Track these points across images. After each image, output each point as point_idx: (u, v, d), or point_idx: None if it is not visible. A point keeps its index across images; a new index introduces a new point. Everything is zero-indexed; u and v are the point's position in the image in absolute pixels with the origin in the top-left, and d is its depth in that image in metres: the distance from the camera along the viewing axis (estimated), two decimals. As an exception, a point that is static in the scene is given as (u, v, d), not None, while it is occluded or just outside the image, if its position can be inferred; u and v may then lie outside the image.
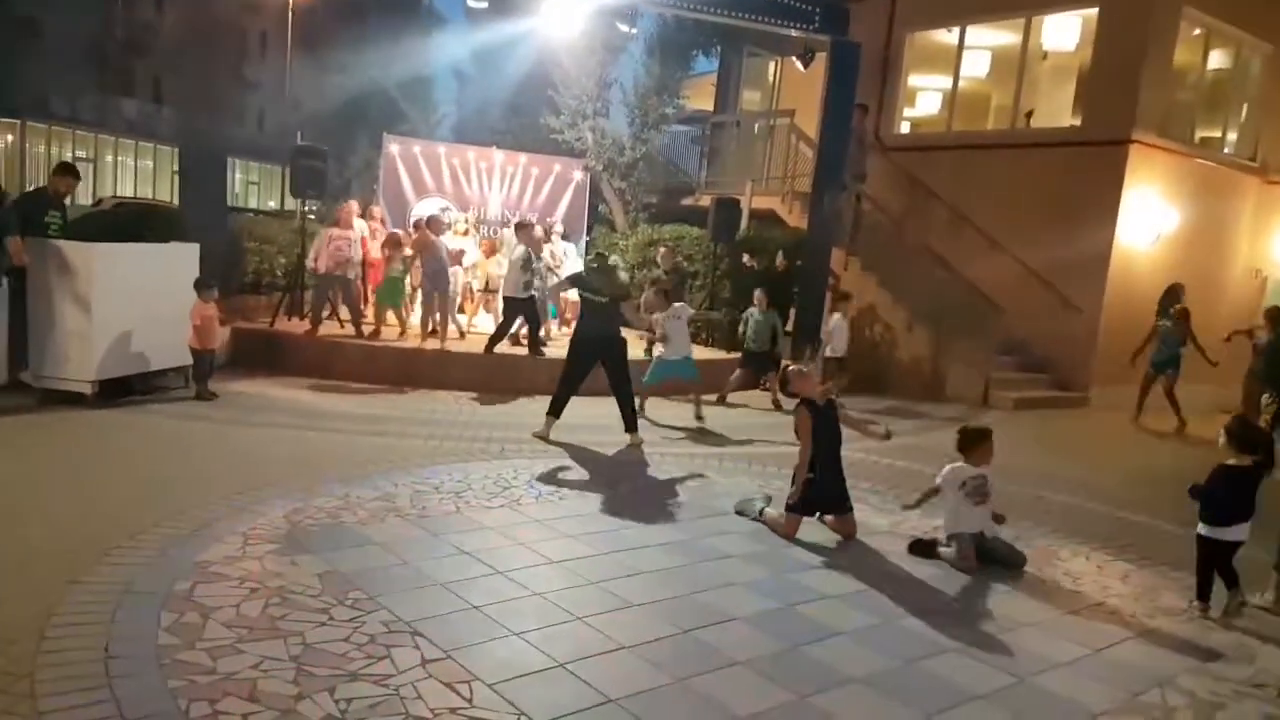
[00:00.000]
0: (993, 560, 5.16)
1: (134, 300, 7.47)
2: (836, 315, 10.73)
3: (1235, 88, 14.08)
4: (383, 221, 12.97)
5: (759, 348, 10.25)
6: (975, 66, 14.73)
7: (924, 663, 3.83)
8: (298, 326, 10.07)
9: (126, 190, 34.41)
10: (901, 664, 3.80)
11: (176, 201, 10.85)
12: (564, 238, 13.16)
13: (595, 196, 14.77)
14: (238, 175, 36.21)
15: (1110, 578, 5.21)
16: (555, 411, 7.51)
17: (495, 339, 9.78)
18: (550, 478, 6.22)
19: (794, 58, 11.98)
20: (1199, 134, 13.73)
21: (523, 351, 9.93)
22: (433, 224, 10.22)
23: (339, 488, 5.53)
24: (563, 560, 4.61)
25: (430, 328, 10.03)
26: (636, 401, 7.97)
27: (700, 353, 10.26)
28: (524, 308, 9.77)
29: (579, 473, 6.50)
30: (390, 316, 10.30)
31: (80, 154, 33.77)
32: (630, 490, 6.14)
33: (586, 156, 14.05)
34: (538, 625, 3.81)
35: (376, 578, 4.14)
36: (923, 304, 12.38)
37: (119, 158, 37.67)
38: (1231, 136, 14.05)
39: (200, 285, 7.80)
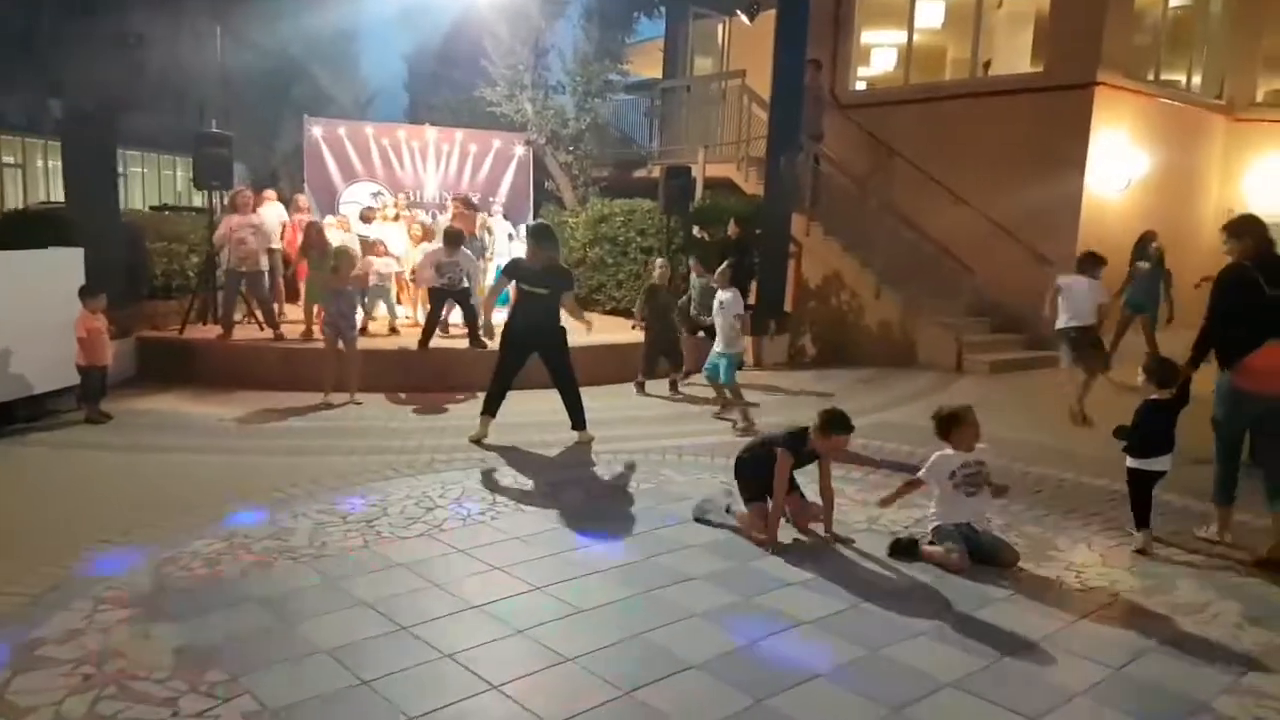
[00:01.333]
0: (982, 557, 4.51)
1: (9, 315, 6.59)
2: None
3: (1199, 25, 13.52)
4: (309, 210, 12.10)
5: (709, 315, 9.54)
6: (930, 18, 14.02)
7: (917, 709, 3.15)
8: (211, 332, 9.18)
9: (60, 195, 32.75)
10: (889, 714, 3.12)
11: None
12: (504, 217, 12.38)
13: (541, 173, 13.93)
14: (144, 170, 34.06)
15: (1116, 568, 4.58)
16: (490, 410, 6.77)
17: (425, 334, 8.97)
18: (482, 492, 5.47)
19: (739, 12, 11.19)
20: (1165, 74, 13.14)
21: (463, 344, 9.13)
22: (343, 261, 8.22)
23: (227, 525, 4.75)
24: (486, 603, 3.87)
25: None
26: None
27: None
28: (442, 296, 9.01)
29: (517, 483, 5.75)
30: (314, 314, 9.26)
31: (9, 159, 32.09)
32: (575, 500, 5.41)
33: (528, 130, 13.16)
34: (445, 700, 3.07)
35: (245, 650, 3.38)
36: (890, 267, 11.72)
37: (49, 161, 35.92)
38: (1197, 77, 13.49)
39: (85, 294, 6.93)
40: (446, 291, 8.94)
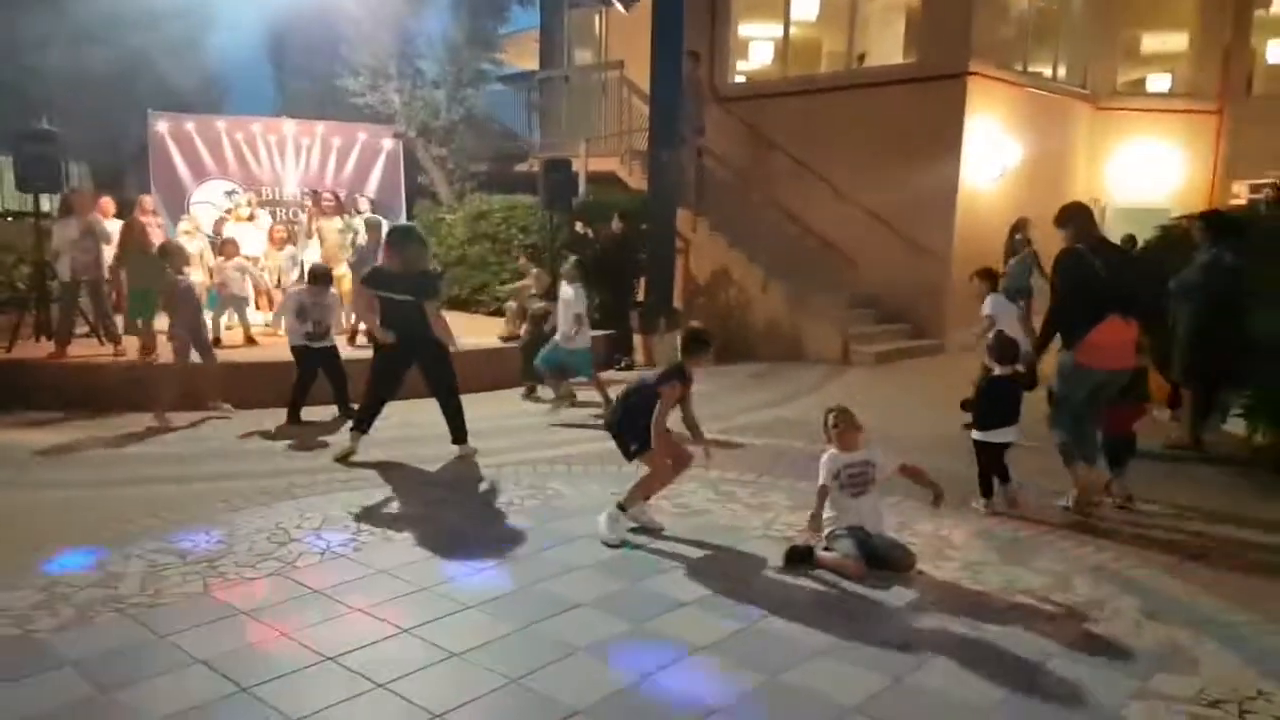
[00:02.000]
0: (878, 561, 4.31)
1: None
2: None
3: (1063, 16, 13.96)
4: (154, 213, 11.17)
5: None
6: (805, 10, 14.05)
7: (824, 745, 2.88)
8: (45, 349, 8.27)
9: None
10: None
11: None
12: (374, 213, 11.72)
13: (414, 167, 13.29)
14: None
15: (1014, 565, 4.46)
16: (361, 426, 6.24)
17: (292, 405, 7.37)
18: (345, 520, 4.96)
19: (615, 1, 10.86)
20: (1032, 65, 13.51)
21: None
22: (173, 253, 7.68)
23: (46, 573, 4.13)
24: (342, 653, 3.40)
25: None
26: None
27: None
28: (311, 358, 7.41)
29: (386, 506, 5.26)
30: (140, 327, 8.13)
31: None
32: (451, 523, 4.97)
33: (395, 121, 12.50)
34: (285, 780, 2.63)
35: (51, 732, 2.85)
36: (775, 262, 11.66)
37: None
38: (1062, 68, 13.92)
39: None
40: (314, 350, 7.39)
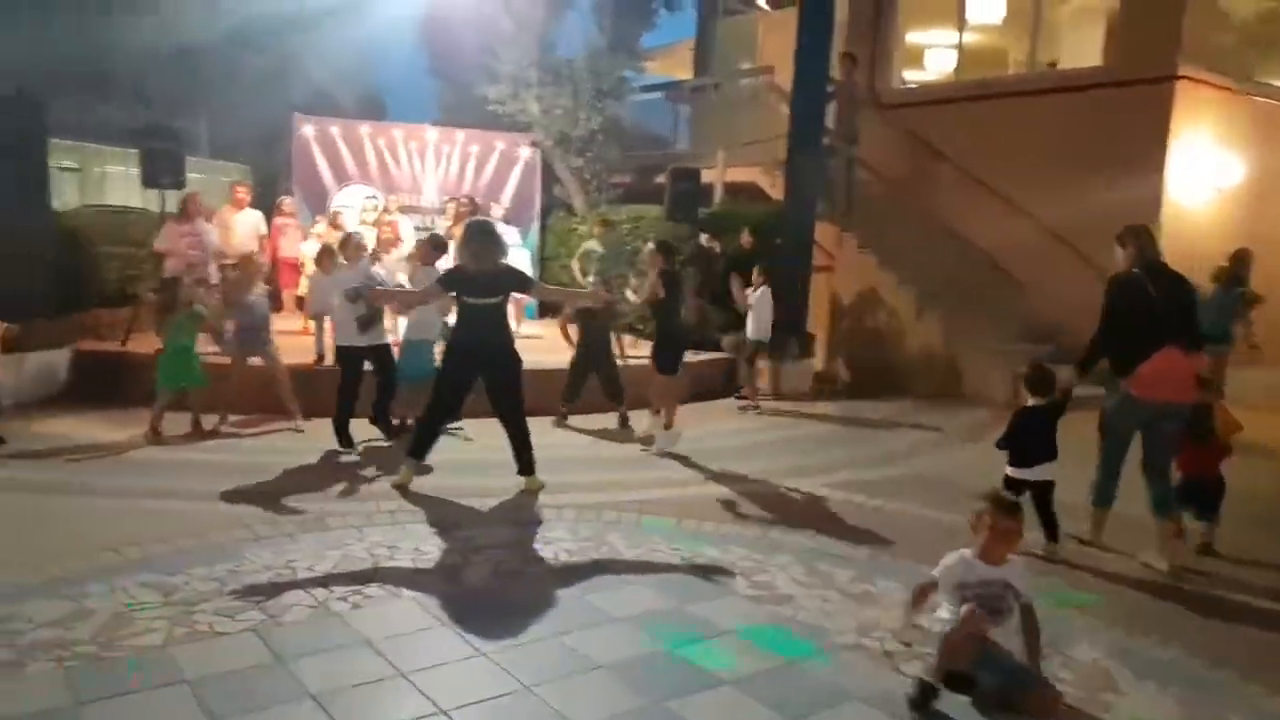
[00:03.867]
0: (1009, 699, 3.16)
1: None
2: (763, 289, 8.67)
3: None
4: (292, 214, 11.18)
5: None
6: (985, 13, 12.55)
7: None
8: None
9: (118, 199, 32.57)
10: None
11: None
12: (508, 223, 11.29)
13: (551, 177, 12.83)
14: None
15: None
16: (417, 452, 5.61)
17: (338, 419, 6.45)
18: (364, 564, 4.26)
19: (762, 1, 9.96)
20: (1261, 74, 11.48)
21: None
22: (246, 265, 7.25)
23: (11, 601, 3.65)
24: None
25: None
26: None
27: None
28: (358, 362, 6.49)
29: (415, 551, 4.50)
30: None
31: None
32: (476, 582, 4.16)
33: (533, 130, 12.06)
34: None
35: None
36: (932, 285, 10.34)
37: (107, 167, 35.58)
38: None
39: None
40: (360, 351, 6.47)
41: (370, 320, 6.23)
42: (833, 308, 11.11)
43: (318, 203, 11.66)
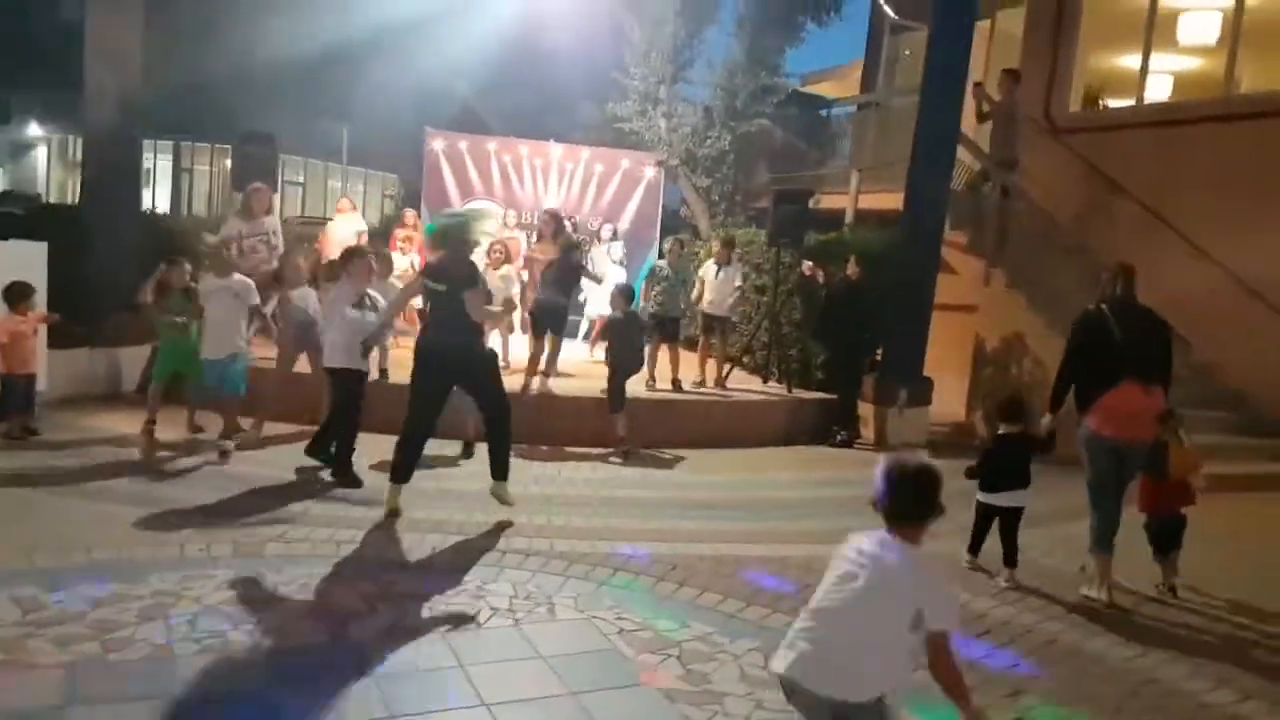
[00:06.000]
0: None
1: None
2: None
3: None
4: (416, 228, 11.24)
5: (667, 311, 8.46)
6: (1199, 32, 10.65)
7: None
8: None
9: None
10: None
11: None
12: (619, 243, 10.89)
13: (677, 197, 12.31)
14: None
15: None
16: (399, 476, 5.15)
17: (345, 455, 5.88)
18: (254, 599, 3.82)
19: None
20: None
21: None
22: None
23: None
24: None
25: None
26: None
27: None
28: (359, 384, 5.95)
29: (326, 589, 3.98)
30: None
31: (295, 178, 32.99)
32: (349, 647, 3.53)
33: (659, 149, 11.57)
34: None
35: None
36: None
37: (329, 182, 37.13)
38: None
39: (12, 295, 6.18)
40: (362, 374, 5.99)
41: (370, 347, 5.82)
42: (975, 352, 9.83)
43: (444, 217, 11.72)
